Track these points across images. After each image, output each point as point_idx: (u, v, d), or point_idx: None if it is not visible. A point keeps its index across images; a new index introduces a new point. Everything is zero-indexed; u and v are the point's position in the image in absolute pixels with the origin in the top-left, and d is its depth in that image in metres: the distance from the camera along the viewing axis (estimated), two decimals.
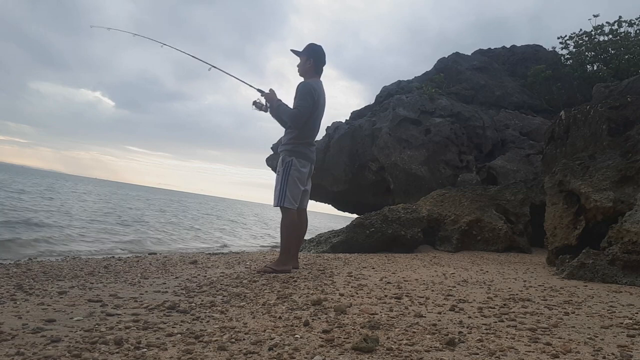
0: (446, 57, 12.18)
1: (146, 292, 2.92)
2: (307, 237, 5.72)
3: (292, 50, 4.23)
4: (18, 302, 2.42)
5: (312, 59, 4.13)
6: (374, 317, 2.27)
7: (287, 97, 4.24)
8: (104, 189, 49.68)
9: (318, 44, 4.23)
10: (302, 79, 4.15)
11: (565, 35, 11.70)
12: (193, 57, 4.63)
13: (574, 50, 11.42)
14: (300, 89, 4.04)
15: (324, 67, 4.24)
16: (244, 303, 2.64)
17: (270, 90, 4.25)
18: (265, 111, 4.24)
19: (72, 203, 18.37)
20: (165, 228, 13.26)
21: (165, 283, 3.29)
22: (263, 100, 4.23)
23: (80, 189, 39.33)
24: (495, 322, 2.23)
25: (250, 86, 4.39)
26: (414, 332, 2.00)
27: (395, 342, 1.83)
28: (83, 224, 10.95)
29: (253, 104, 4.25)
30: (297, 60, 4.23)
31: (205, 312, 2.36)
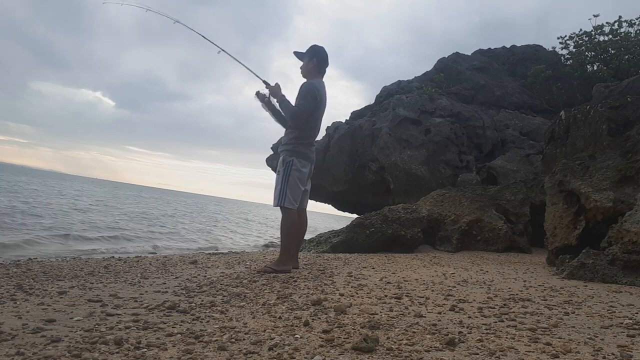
0: (446, 57, 12.17)
1: (146, 292, 2.92)
2: (307, 237, 5.71)
3: (294, 53, 4.23)
4: (18, 302, 2.41)
5: (315, 59, 4.14)
6: (374, 317, 2.27)
7: (290, 98, 4.25)
8: (118, 191, 49.17)
9: (321, 45, 4.24)
10: (304, 80, 4.16)
11: (565, 36, 11.70)
12: (203, 37, 4.54)
13: (574, 50, 11.42)
14: (303, 89, 4.04)
15: (326, 68, 4.24)
16: (244, 303, 2.64)
17: (276, 84, 4.21)
18: (267, 103, 4.20)
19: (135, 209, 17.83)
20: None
21: (165, 283, 3.29)
22: (266, 92, 4.20)
23: (99, 191, 38.91)
24: (495, 322, 2.23)
25: (257, 75, 4.32)
26: (414, 332, 2.00)
27: (395, 342, 1.83)
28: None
29: (256, 95, 4.22)
30: (301, 61, 4.23)
31: (205, 312, 2.36)
